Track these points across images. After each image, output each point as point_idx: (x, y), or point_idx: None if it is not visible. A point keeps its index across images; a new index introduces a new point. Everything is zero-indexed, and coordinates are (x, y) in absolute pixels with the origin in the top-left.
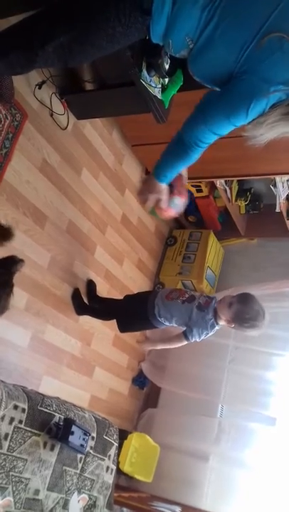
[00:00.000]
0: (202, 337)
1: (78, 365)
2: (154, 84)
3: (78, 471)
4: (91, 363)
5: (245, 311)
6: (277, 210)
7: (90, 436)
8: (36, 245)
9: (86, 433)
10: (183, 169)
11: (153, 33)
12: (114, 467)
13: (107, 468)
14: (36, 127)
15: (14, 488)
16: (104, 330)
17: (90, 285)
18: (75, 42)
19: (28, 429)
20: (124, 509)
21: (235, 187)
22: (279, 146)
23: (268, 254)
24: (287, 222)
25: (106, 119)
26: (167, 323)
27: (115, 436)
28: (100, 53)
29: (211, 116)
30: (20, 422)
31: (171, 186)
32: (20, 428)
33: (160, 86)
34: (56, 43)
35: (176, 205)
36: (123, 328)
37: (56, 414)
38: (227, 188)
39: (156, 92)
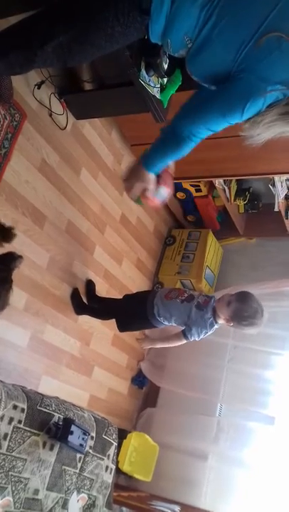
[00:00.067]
0: (201, 336)
1: (77, 364)
2: (152, 84)
3: (77, 471)
4: (90, 362)
5: (243, 309)
6: (276, 209)
7: (89, 436)
8: (35, 245)
9: (85, 432)
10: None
11: (152, 32)
12: (114, 466)
13: (107, 467)
14: (35, 127)
15: (13, 488)
16: (104, 330)
17: (89, 285)
18: (75, 42)
19: (27, 428)
20: (124, 508)
21: (234, 186)
22: (278, 146)
23: (266, 254)
24: (285, 221)
25: (105, 119)
26: (166, 323)
27: (114, 436)
28: (99, 53)
29: (207, 114)
30: (20, 421)
31: (158, 176)
32: (19, 428)
33: (159, 86)
34: (55, 43)
35: (162, 195)
36: (122, 327)
37: (55, 413)
38: (226, 188)
39: (155, 91)
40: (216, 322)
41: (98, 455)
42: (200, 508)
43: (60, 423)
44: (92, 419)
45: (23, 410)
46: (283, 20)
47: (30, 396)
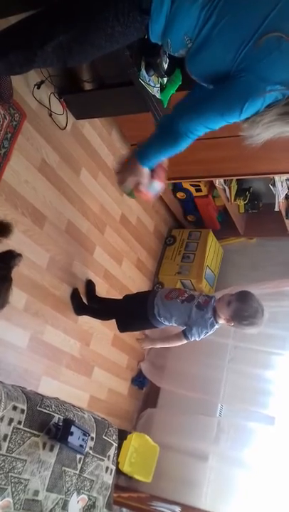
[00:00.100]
0: (202, 336)
1: (77, 365)
2: (152, 84)
3: (77, 472)
4: (90, 363)
5: (243, 309)
6: (276, 209)
7: (89, 437)
8: (35, 245)
9: (85, 433)
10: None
11: (152, 32)
12: (114, 467)
13: (107, 468)
14: (35, 127)
15: (13, 489)
16: (104, 330)
17: (89, 285)
18: (75, 41)
19: (27, 429)
20: (124, 509)
21: (234, 186)
22: (278, 146)
23: (267, 254)
24: (286, 221)
25: (105, 119)
26: (167, 323)
27: (114, 437)
28: (99, 53)
29: (206, 112)
30: (20, 422)
31: (151, 170)
32: (19, 429)
33: (159, 85)
34: (55, 43)
35: (155, 189)
36: (122, 328)
37: (55, 414)
38: (226, 188)
39: (155, 91)
40: (217, 322)
41: (98, 456)
42: (200, 509)
43: (60, 424)
44: (92, 419)
45: (23, 411)
46: (283, 20)
47: (30, 397)
